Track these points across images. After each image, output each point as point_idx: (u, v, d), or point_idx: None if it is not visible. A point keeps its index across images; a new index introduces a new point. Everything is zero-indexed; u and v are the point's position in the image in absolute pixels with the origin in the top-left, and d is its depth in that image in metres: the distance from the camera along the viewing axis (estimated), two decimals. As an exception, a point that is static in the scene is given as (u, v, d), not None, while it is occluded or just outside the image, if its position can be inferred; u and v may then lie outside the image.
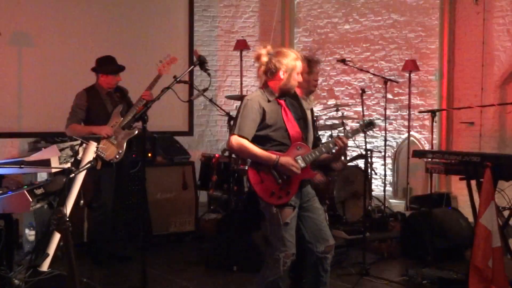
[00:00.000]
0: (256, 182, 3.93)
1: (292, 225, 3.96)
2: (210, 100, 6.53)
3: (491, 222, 4.44)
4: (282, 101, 4.02)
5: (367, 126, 4.29)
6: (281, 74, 3.94)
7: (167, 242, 6.61)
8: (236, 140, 3.89)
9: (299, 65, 4.00)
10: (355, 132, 4.35)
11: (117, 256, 5.84)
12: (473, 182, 4.88)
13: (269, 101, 3.98)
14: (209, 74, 3.89)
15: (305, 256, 4.08)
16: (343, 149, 4.17)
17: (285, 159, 3.89)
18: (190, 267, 5.80)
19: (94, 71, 5.80)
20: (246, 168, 4.00)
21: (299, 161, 3.93)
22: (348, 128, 7.54)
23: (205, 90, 3.97)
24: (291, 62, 3.96)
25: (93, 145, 4.69)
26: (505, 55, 7.31)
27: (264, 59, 3.98)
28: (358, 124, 4.66)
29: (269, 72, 3.98)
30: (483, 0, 7.53)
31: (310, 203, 4.14)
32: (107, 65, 5.74)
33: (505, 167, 4.52)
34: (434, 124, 7.32)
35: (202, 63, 3.88)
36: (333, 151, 4.17)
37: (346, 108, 7.98)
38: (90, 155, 4.65)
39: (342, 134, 4.24)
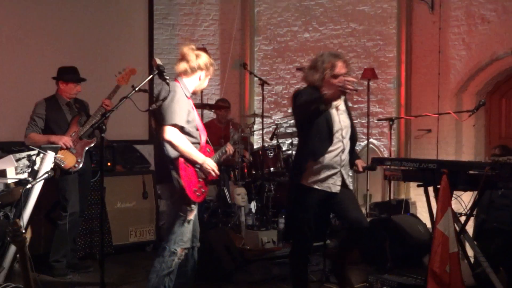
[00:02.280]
0: (184, 178, 4.06)
1: (194, 222, 4.25)
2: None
3: (448, 228, 4.51)
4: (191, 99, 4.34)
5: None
6: (202, 75, 4.29)
7: (127, 252, 6.53)
8: (174, 131, 4.05)
9: (212, 71, 4.37)
10: (232, 140, 5.06)
11: (75, 267, 5.76)
12: (431, 189, 4.97)
13: (186, 96, 4.24)
14: (167, 84, 3.87)
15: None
16: (227, 155, 4.60)
17: (211, 161, 4.21)
18: (151, 277, 5.74)
19: (54, 79, 5.74)
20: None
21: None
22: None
23: (165, 99, 3.94)
24: (211, 68, 4.35)
25: (50, 155, 4.63)
26: (460, 64, 7.45)
27: (190, 58, 4.27)
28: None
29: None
30: (439, 10, 7.67)
31: None
32: (68, 74, 5.71)
33: (461, 174, 4.61)
34: (393, 131, 7.46)
35: (160, 72, 3.85)
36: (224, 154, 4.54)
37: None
38: (47, 165, 4.59)
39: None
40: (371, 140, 8.21)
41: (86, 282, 5.50)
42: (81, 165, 5.56)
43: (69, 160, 5.52)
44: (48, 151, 4.62)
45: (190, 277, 4.36)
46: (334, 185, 4.41)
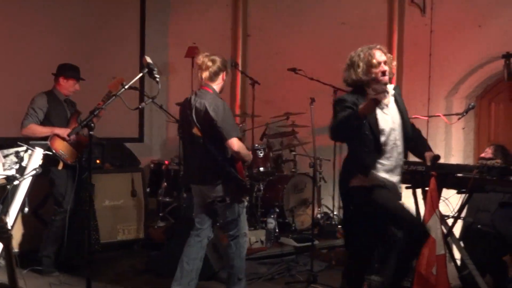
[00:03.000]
0: (243, 175, 4.70)
1: None
2: (160, 107, 6.49)
3: (435, 230, 4.53)
4: None
5: None
6: (226, 76, 4.83)
7: (115, 250, 6.52)
8: (238, 142, 4.60)
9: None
10: None
11: (63, 265, 5.75)
12: (419, 191, 4.99)
13: None
14: (157, 82, 3.87)
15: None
16: None
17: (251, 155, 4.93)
18: (138, 275, 5.75)
19: (54, 75, 5.73)
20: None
21: None
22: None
23: (154, 97, 3.94)
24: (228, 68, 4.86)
25: (39, 152, 4.61)
26: (451, 67, 7.46)
27: (209, 64, 4.72)
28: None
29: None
30: (431, 12, 7.69)
31: None
32: (70, 71, 5.72)
33: (449, 176, 4.62)
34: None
35: (150, 70, 3.85)
36: None
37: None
38: (35, 162, 4.56)
39: None
40: (361, 141, 8.21)
41: (73, 279, 5.49)
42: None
43: (71, 155, 5.54)
44: (37, 148, 4.59)
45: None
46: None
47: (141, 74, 3.89)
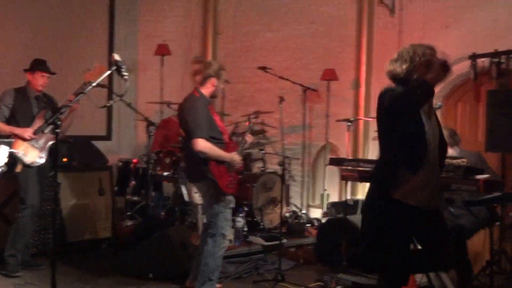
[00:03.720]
0: (218, 176, 4.79)
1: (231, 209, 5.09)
2: (129, 105, 6.43)
3: (402, 229, 4.55)
4: (210, 106, 4.98)
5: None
6: (215, 81, 4.92)
7: (82, 249, 6.45)
8: (204, 142, 4.70)
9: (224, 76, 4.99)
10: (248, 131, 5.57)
11: (27, 264, 5.67)
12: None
13: (205, 105, 4.87)
14: (125, 80, 3.83)
15: None
16: (251, 143, 5.66)
17: (235, 155, 4.94)
18: (105, 275, 5.68)
19: (25, 71, 5.65)
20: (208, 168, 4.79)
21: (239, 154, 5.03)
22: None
23: (122, 95, 3.90)
24: (222, 73, 4.97)
25: (3, 150, 4.55)
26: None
27: (202, 68, 4.89)
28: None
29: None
30: (399, 13, 7.76)
31: None
32: (34, 64, 5.64)
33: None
34: (351, 132, 7.52)
35: (118, 68, 3.80)
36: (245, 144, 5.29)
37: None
38: (1, 160, 4.50)
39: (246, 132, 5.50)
40: (330, 140, 8.26)
41: (38, 279, 5.41)
42: (43, 160, 5.51)
43: (32, 155, 5.45)
44: (1, 146, 4.53)
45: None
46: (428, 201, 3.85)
47: (109, 72, 3.85)
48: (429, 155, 3.77)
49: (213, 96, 5.02)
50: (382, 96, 3.89)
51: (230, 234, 5.51)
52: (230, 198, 4.99)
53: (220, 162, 4.83)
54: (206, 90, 4.94)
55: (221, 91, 5.18)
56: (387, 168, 3.83)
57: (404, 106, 3.70)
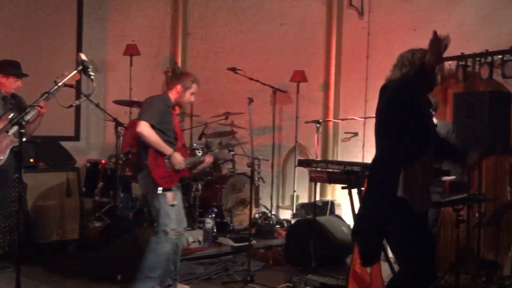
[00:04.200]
0: (154, 165, 4.81)
1: (179, 207, 5.01)
2: (97, 105, 6.38)
3: (370, 230, 4.59)
4: (174, 112, 5.08)
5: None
6: (179, 88, 4.99)
7: (49, 251, 6.37)
8: (147, 126, 4.78)
9: (194, 86, 5.04)
10: (213, 154, 5.57)
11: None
12: (354, 191, 5.06)
13: (168, 106, 4.97)
14: (92, 80, 3.79)
15: None
16: (207, 164, 5.45)
17: (178, 155, 4.90)
18: (72, 277, 5.62)
19: None
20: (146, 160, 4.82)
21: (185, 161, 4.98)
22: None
23: (88, 95, 3.86)
24: (189, 82, 5.02)
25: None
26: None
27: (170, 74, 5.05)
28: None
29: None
30: (368, 16, 7.83)
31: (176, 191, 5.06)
32: (10, 67, 5.52)
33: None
34: (320, 134, 7.56)
35: (85, 68, 3.76)
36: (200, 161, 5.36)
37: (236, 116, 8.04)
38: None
39: (212, 150, 5.66)
40: (299, 142, 8.29)
41: (3, 281, 5.32)
42: (2, 162, 5.40)
43: None
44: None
45: (171, 261, 5.06)
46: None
47: (74, 72, 3.80)
48: (429, 149, 3.79)
49: (178, 103, 5.09)
50: (385, 88, 3.87)
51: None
52: (169, 194, 4.89)
53: (159, 153, 4.84)
54: (171, 95, 5.02)
55: (187, 102, 5.18)
56: (388, 167, 3.77)
57: (406, 94, 3.69)
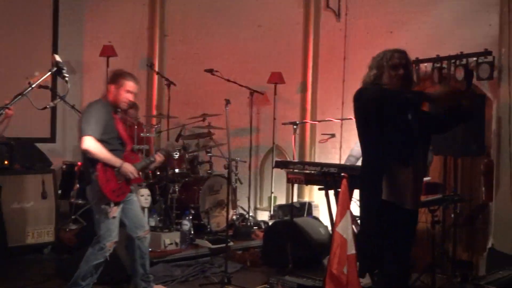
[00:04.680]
0: (104, 180, 4.59)
1: (118, 218, 4.73)
2: (73, 107, 6.33)
3: (346, 231, 4.61)
4: (116, 116, 4.83)
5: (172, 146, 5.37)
6: (111, 88, 4.78)
7: (24, 254, 6.30)
8: (91, 141, 4.55)
9: (127, 84, 4.79)
10: (165, 151, 5.20)
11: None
12: (331, 192, 5.08)
13: (107, 111, 4.73)
14: (66, 81, 3.74)
15: None
16: (159, 163, 5.17)
17: (128, 165, 4.70)
18: (48, 280, 5.57)
19: None
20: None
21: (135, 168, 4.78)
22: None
23: (63, 97, 3.82)
24: (121, 80, 4.78)
25: None
26: (364, 71, 7.64)
27: None
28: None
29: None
30: (345, 18, 7.87)
31: (130, 197, 4.88)
32: None
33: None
34: (298, 135, 7.58)
35: (59, 69, 3.71)
36: (152, 163, 5.09)
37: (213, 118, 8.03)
38: None
39: (161, 149, 5.22)
40: (277, 143, 8.30)
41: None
42: None
43: None
44: None
45: (139, 265, 4.95)
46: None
47: (49, 73, 3.76)
48: (416, 151, 3.87)
49: (115, 104, 4.81)
50: (363, 92, 4.00)
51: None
52: (114, 208, 4.67)
53: (108, 166, 4.63)
54: (109, 97, 4.80)
55: (124, 101, 4.83)
56: (377, 170, 3.88)
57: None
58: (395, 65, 3.91)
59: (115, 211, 4.68)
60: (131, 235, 4.90)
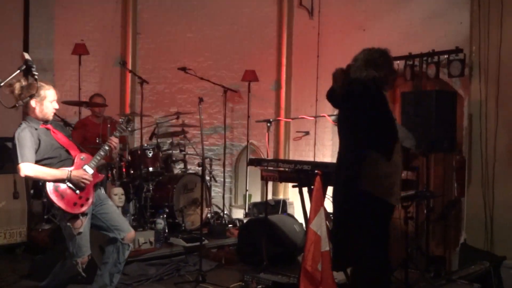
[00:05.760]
0: (60, 199, 4.32)
1: (86, 231, 4.47)
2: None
3: (320, 227, 4.65)
4: (48, 126, 4.46)
5: (127, 122, 4.78)
6: (33, 103, 4.36)
7: (-5, 254, 6.24)
8: (28, 166, 4.24)
9: (49, 93, 4.43)
10: (119, 131, 4.74)
11: None
12: (305, 189, 5.10)
13: (36, 129, 4.37)
14: (35, 80, 3.69)
15: None
16: (116, 148, 4.68)
17: (76, 172, 4.39)
18: (21, 281, 5.51)
19: None
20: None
21: (87, 169, 4.45)
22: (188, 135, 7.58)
23: (32, 95, 3.77)
24: (42, 92, 4.37)
25: None
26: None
27: (17, 92, 4.27)
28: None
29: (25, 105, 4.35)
30: (318, 16, 7.90)
31: (104, 204, 4.65)
32: None
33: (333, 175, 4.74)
34: (272, 133, 7.59)
35: (28, 67, 3.65)
36: (108, 151, 4.64)
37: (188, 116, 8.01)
38: None
39: (113, 135, 4.71)
40: (251, 141, 8.31)
41: None
42: None
43: None
44: None
45: (107, 272, 4.67)
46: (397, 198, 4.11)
47: (18, 72, 3.70)
48: (398, 145, 4.01)
49: (43, 118, 4.46)
50: (368, 89, 4.06)
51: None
52: (77, 222, 4.41)
53: (58, 181, 4.34)
54: (32, 114, 4.44)
55: (52, 112, 4.48)
56: (362, 163, 4.00)
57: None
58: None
59: (79, 225, 4.41)
60: (115, 238, 4.63)
